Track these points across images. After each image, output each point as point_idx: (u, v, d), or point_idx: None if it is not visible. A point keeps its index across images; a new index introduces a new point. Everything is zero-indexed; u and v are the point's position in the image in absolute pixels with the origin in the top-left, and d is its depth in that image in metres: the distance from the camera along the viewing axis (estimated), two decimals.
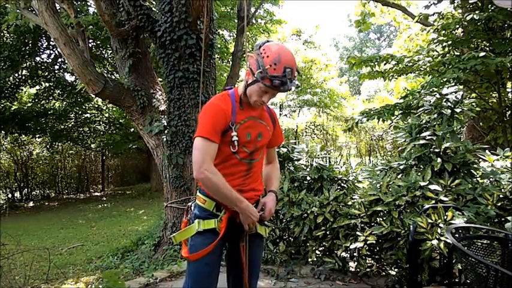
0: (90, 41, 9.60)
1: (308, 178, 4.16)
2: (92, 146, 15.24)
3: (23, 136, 13.11)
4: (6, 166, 13.44)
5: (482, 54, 4.82)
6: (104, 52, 11.80)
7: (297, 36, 18.74)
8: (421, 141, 3.63)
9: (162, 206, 6.05)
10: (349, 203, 3.76)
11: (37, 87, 12.40)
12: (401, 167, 3.79)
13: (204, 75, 4.63)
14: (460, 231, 2.52)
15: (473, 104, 4.44)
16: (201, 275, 1.89)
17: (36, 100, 12.41)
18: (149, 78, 5.46)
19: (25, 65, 11.27)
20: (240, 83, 2.26)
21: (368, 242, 3.40)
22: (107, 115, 14.47)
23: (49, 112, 12.56)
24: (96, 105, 13.76)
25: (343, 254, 3.76)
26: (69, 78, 12.17)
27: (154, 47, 5.29)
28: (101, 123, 14.55)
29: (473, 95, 6.44)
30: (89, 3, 9.91)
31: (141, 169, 16.85)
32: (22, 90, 12.48)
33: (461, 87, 6.05)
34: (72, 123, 13.77)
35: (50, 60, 11.62)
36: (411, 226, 3.01)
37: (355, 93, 28.18)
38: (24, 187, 13.47)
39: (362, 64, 6.37)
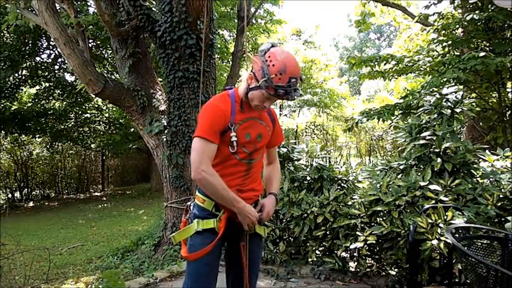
0: (90, 41, 9.60)
1: (308, 178, 4.16)
2: (92, 146, 15.24)
3: (23, 136, 13.12)
4: (6, 166, 13.45)
5: (482, 54, 4.82)
6: (104, 52, 11.80)
7: (297, 36, 18.74)
8: (421, 141, 3.63)
9: (162, 206, 6.05)
10: (349, 203, 3.76)
11: (37, 87, 12.41)
12: (401, 167, 3.79)
13: (204, 75, 4.63)
14: (460, 231, 2.52)
15: (473, 104, 4.44)
16: (200, 275, 1.89)
17: (36, 100, 12.42)
18: (149, 78, 5.46)
19: (25, 65, 11.27)
20: (240, 83, 2.26)
21: (368, 242, 3.40)
22: (107, 115, 14.47)
23: (49, 112, 12.56)
24: (96, 105, 13.76)
25: (343, 254, 3.76)
26: (69, 78, 12.19)
27: (154, 47, 5.29)
28: (101, 123, 14.55)
29: (473, 95, 6.44)
30: (89, 3, 9.92)
31: (141, 169, 16.85)
32: (22, 90, 12.49)
33: (461, 87, 6.05)
34: (72, 123, 13.77)
35: (50, 60, 11.63)
36: (411, 226, 3.01)
37: (355, 93, 28.18)
38: (24, 187, 13.48)
39: (362, 64, 6.37)
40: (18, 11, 5.66)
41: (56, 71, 11.99)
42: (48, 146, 14.31)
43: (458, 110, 3.85)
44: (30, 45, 10.54)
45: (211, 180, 1.78)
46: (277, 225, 4.06)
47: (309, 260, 3.91)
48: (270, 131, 2.03)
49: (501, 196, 3.17)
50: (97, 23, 7.13)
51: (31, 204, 12.40)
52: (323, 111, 17.59)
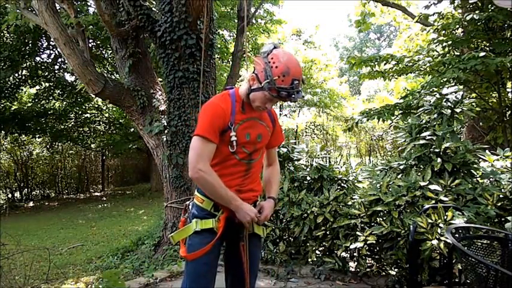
0: (90, 41, 9.60)
1: (308, 178, 4.16)
2: (92, 146, 15.25)
3: (23, 136, 13.12)
4: (6, 166, 13.45)
5: (482, 54, 4.82)
6: (104, 52, 11.80)
7: (297, 36, 18.74)
8: (421, 141, 3.63)
9: (162, 206, 6.06)
10: (349, 203, 3.76)
11: (37, 87, 12.40)
12: (401, 167, 3.79)
13: (204, 75, 4.63)
14: (460, 231, 2.52)
15: (473, 104, 4.44)
16: (199, 275, 1.90)
17: (36, 100, 12.41)
18: (149, 78, 5.46)
19: (25, 65, 11.27)
20: (240, 83, 2.26)
21: (368, 242, 3.40)
22: (107, 115, 14.47)
23: (49, 112, 12.57)
24: (96, 105, 13.76)
25: (343, 254, 3.76)
26: (69, 78, 12.19)
27: (154, 47, 5.29)
28: (101, 123, 14.56)
29: (473, 95, 6.44)
30: (89, 3, 9.91)
31: (141, 169, 16.85)
32: (22, 90, 12.49)
33: (461, 87, 6.05)
34: (72, 123, 13.77)
35: (50, 60, 11.63)
36: (411, 226, 3.01)
37: (355, 93, 28.17)
38: (24, 187, 13.48)
39: (362, 64, 6.37)
40: (18, 11, 5.65)
41: (56, 71, 11.99)
42: (48, 146, 14.31)
43: (458, 110, 3.85)
44: (30, 45, 10.54)
45: (208, 178, 1.79)
46: (277, 225, 4.06)
47: (309, 260, 3.91)
48: (270, 131, 2.03)
49: (501, 196, 3.17)
50: (97, 23, 7.13)
51: (31, 204, 12.40)
52: (323, 111, 17.59)
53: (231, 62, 9.93)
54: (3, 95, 11.24)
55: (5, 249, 3.61)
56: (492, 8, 5.44)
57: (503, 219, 3.12)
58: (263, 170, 2.17)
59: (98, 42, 10.73)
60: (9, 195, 13.01)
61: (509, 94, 6.48)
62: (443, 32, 6.26)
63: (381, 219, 3.47)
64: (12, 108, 12.08)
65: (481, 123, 7.16)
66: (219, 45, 10.73)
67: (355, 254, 3.74)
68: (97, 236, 7.00)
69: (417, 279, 3.11)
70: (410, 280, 3.10)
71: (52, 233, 7.45)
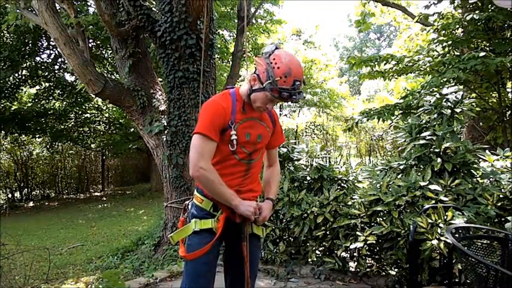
0: (90, 41, 9.59)
1: (308, 178, 4.16)
2: (92, 146, 15.25)
3: (23, 136, 13.12)
4: (6, 166, 13.45)
5: (482, 54, 4.81)
6: (104, 52, 11.80)
7: (297, 36, 18.72)
8: (421, 141, 3.63)
9: (162, 206, 6.05)
10: (349, 203, 3.76)
11: (37, 87, 12.40)
12: (401, 167, 3.79)
13: (204, 75, 4.63)
14: (460, 231, 2.52)
15: (473, 104, 4.44)
16: (198, 274, 1.89)
17: (36, 100, 12.41)
18: (149, 78, 5.46)
19: (25, 65, 11.26)
20: (240, 83, 2.25)
21: (368, 242, 3.40)
22: (107, 115, 14.47)
23: (49, 112, 12.56)
24: (96, 105, 13.76)
25: (343, 254, 3.76)
26: (69, 78, 12.19)
27: (154, 47, 5.29)
28: (101, 123, 14.55)
29: (473, 95, 6.44)
30: (89, 3, 9.91)
31: (141, 169, 16.85)
32: (22, 90, 12.49)
33: (461, 87, 6.05)
34: (72, 123, 13.77)
35: (50, 60, 11.62)
36: (411, 226, 3.01)
37: (355, 93, 28.17)
38: (24, 187, 13.48)
39: (362, 64, 6.36)
40: (18, 11, 5.65)
41: (56, 71, 11.98)
42: (48, 146, 14.30)
43: (458, 110, 3.85)
44: (30, 45, 10.54)
45: (209, 177, 1.79)
46: (277, 225, 4.06)
47: (309, 260, 3.91)
48: (270, 132, 2.03)
49: (501, 196, 3.17)
50: (97, 23, 7.12)
51: (31, 204, 12.40)
52: (323, 111, 17.58)
53: (231, 62, 9.93)
54: (3, 95, 11.23)
55: (5, 249, 3.61)
56: (492, 8, 5.44)
57: (503, 219, 3.12)
58: (263, 170, 2.17)
59: (98, 42, 10.73)
60: (9, 195, 13.01)
61: (509, 94, 6.48)
62: (443, 32, 6.26)
63: (381, 219, 3.47)
64: (12, 108, 12.09)
65: (481, 123, 7.16)
66: (219, 45, 10.73)
67: (355, 254, 3.74)
68: (97, 236, 7.00)
69: (417, 279, 3.11)
70: (410, 280, 3.10)
71: (52, 233, 7.45)
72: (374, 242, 3.39)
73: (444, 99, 3.94)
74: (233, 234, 1.95)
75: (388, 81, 7.32)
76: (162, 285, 3.82)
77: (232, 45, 11.35)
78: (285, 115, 17.54)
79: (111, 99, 5.35)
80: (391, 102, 9.18)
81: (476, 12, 5.53)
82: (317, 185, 4.09)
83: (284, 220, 4.05)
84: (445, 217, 2.96)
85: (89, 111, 13.99)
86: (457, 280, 3.05)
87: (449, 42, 6.10)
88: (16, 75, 11.37)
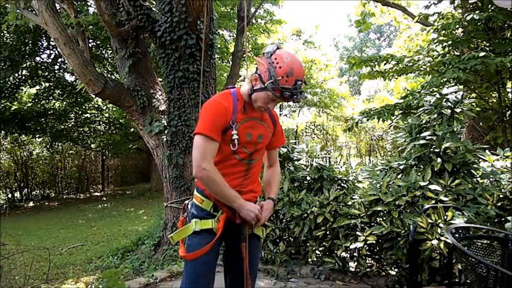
0: (90, 41, 9.59)
1: (308, 178, 4.16)
2: (92, 146, 15.25)
3: (23, 136, 13.12)
4: (6, 166, 13.45)
5: (482, 54, 4.81)
6: (104, 52, 11.80)
7: (297, 36, 18.71)
8: (421, 141, 3.63)
9: (162, 206, 6.06)
10: (349, 203, 3.76)
11: (37, 87, 12.40)
12: (401, 167, 3.79)
13: (204, 75, 4.63)
14: (460, 231, 2.52)
15: (473, 104, 4.44)
16: (198, 274, 1.89)
17: (36, 100, 12.41)
18: (149, 78, 5.46)
19: (25, 65, 11.26)
20: (241, 83, 2.25)
21: (368, 242, 3.40)
22: (107, 115, 14.47)
23: (49, 112, 12.56)
24: (96, 105, 13.76)
25: (343, 254, 3.76)
26: (69, 78, 12.19)
27: (154, 47, 5.29)
28: (101, 123, 14.55)
29: (473, 95, 6.44)
30: (89, 3, 9.91)
31: (141, 169, 16.85)
32: (22, 90, 12.49)
33: (461, 87, 6.05)
34: (72, 123, 13.77)
35: (50, 60, 11.62)
36: (411, 226, 3.01)
37: (355, 93, 28.17)
38: (24, 187, 13.47)
39: (362, 64, 6.36)
40: (18, 11, 5.65)
41: (56, 71, 11.98)
42: (48, 146, 14.30)
43: (458, 110, 3.86)
44: (30, 45, 10.53)
45: (213, 177, 1.79)
46: (277, 225, 4.06)
47: (309, 260, 3.91)
48: (270, 132, 2.03)
49: (501, 196, 3.17)
50: (97, 23, 7.12)
51: (31, 204, 12.40)
52: (323, 111, 17.58)
53: (231, 62, 9.93)
54: (3, 95, 11.23)
55: (5, 249, 3.61)
56: (492, 8, 5.44)
57: (503, 219, 3.12)
58: (263, 171, 2.16)
59: (98, 42, 10.73)
60: (9, 195, 13.01)
61: (509, 94, 6.48)
62: (443, 32, 6.26)
63: (381, 219, 3.47)
64: (12, 108, 12.08)
65: (481, 123, 7.15)
66: (219, 45, 10.73)
67: (355, 254, 3.74)
68: (97, 236, 7.00)
69: (417, 279, 3.11)
70: (410, 280, 3.10)
71: (52, 233, 7.45)
72: (374, 242, 3.39)
73: (444, 99, 3.94)
74: (233, 234, 1.94)
75: (388, 81, 7.32)
76: (162, 285, 3.82)
77: (232, 45, 11.35)
78: (285, 115, 17.54)
79: (111, 99, 5.35)
80: (391, 102, 9.18)
81: (476, 12, 5.53)
82: (317, 185, 4.09)
83: (284, 220, 4.05)
84: (445, 217, 2.96)
85: (89, 111, 13.99)
86: (457, 280, 3.05)
87: (449, 42, 6.10)
88: (16, 75, 11.37)
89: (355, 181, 4.16)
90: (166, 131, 4.94)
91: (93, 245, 6.37)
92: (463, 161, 3.48)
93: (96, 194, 14.44)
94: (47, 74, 11.81)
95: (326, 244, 3.81)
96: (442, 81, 5.28)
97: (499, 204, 3.14)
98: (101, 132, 14.73)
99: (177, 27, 4.54)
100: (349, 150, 16.84)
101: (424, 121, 3.88)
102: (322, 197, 3.83)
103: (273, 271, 3.88)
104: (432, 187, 3.31)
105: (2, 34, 10.08)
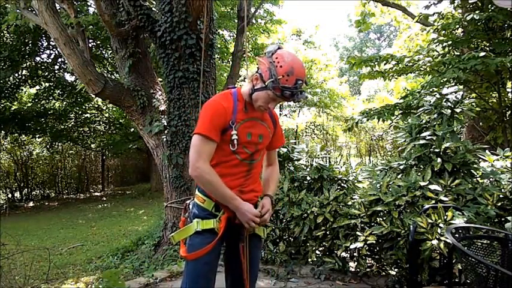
0: (90, 41, 9.60)
1: (308, 178, 4.16)
2: (92, 146, 15.25)
3: (23, 136, 13.12)
4: (6, 166, 13.45)
5: (482, 54, 4.81)
6: (104, 52, 11.80)
7: (297, 36, 18.72)
8: (421, 141, 3.63)
9: (162, 206, 6.06)
10: (349, 203, 3.76)
11: (37, 87, 12.41)
12: (401, 167, 3.79)
13: (204, 75, 4.63)
14: (460, 231, 2.52)
15: (473, 104, 4.44)
16: (199, 275, 1.89)
17: (36, 100, 12.41)
18: (149, 78, 5.46)
19: (25, 65, 11.27)
20: (241, 83, 2.25)
21: (368, 242, 3.40)
22: (107, 115, 14.48)
23: (49, 112, 12.56)
24: (96, 105, 13.77)
25: (343, 254, 3.76)
26: (69, 78, 12.20)
27: (154, 47, 5.30)
28: (101, 123, 14.56)
29: (473, 95, 6.44)
30: (89, 3, 9.92)
31: (141, 169, 16.85)
32: (22, 90, 12.49)
33: (461, 87, 6.05)
34: (72, 123, 13.77)
35: (50, 60, 11.63)
36: (411, 226, 3.01)
37: (355, 93, 28.16)
38: (24, 187, 13.47)
39: (362, 64, 6.36)
40: (18, 11, 5.66)
41: (56, 71, 11.99)
42: (48, 146, 14.30)
43: (458, 110, 3.86)
44: (30, 45, 10.54)
45: (206, 177, 1.79)
46: (277, 225, 4.06)
47: (309, 260, 3.91)
48: (271, 132, 2.03)
49: (501, 196, 3.17)
50: (97, 23, 7.13)
51: (31, 204, 12.40)
52: (323, 111, 17.58)
53: (231, 62, 9.93)
54: (3, 95, 11.23)
55: (5, 249, 3.61)
56: (492, 8, 5.44)
57: (503, 219, 3.12)
58: (262, 170, 2.16)
59: (98, 42, 10.73)
60: (9, 195, 13.01)
61: (509, 94, 6.48)
62: (443, 32, 6.26)
63: (381, 219, 3.47)
64: (12, 108, 12.08)
65: (481, 123, 7.16)
66: (219, 45, 10.74)
67: (355, 254, 3.74)
68: (97, 236, 7.00)
69: (417, 279, 3.11)
70: (410, 280, 3.10)
71: (52, 233, 7.45)
72: (374, 242, 3.39)
73: (444, 99, 3.94)
74: (234, 234, 1.94)
75: (388, 81, 7.32)
76: (162, 285, 3.82)
77: (232, 45, 11.35)
78: (285, 115, 17.54)
79: (111, 99, 5.35)
80: (391, 102, 9.18)
81: (476, 12, 5.53)
82: (317, 185, 4.09)
83: (284, 220, 4.05)
84: (445, 217, 2.96)
85: (89, 111, 13.99)
86: (457, 280, 3.05)
87: (449, 42, 6.10)
88: (16, 75, 11.37)
89: (355, 181, 4.16)
90: (166, 131, 4.95)
91: (93, 245, 6.37)
92: (463, 161, 3.48)
93: (96, 194, 14.44)
94: (47, 74, 11.82)
95: (326, 244, 3.81)
96: (442, 81, 5.29)
97: (499, 204, 3.14)
98: (101, 132, 14.74)
99: (177, 27, 4.54)
100: (349, 150, 16.85)
101: (424, 121, 3.88)
102: (322, 197, 3.83)
103: (273, 271, 3.87)
104: (432, 187, 3.31)
105: (2, 34, 10.08)
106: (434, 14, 6.89)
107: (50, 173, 14.36)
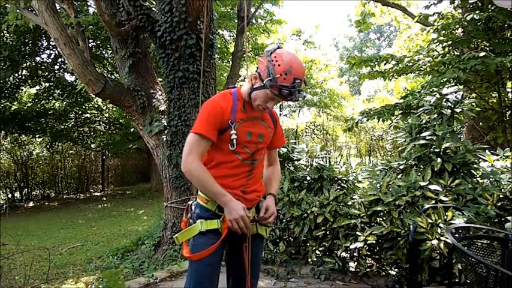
0: (90, 41, 9.60)
1: (308, 178, 4.16)
2: (92, 146, 15.25)
3: (23, 136, 13.12)
4: (6, 166, 13.44)
5: (482, 54, 4.81)
6: (104, 52, 11.80)
7: (297, 36, 18.71)
8: (421, 141, 3.63)
9: (162, 206, 6.06)
10: (349, 203, 3.76)
11: (37, 87, 12.41)
12: (401, 167, 3.79)
13: (204, 75, 4.63)
14: (460, 231, 2.52)
15: (473, 104, 4.44)
16: (203, 275, 1.88)
17: (36, 100, 12.42)
18: (149, 78, 5.46)
19: (25, 65, 11.27)
20: (241, 83, 2.25)
21: (368, 242, 3.39)
22: (107, 115, 14.47)
23: (49, 112, 12.57)
24: (96, 105, 13.76)
25: (343, 254, 3.76)
26: (69, 78, 12.20)
27: (154, 47, 5.30)
28: (101, 123, 14.56)
29: (473, 95, 6.44)
30: (89, 3, 9.92)
31: (141, 169, 16.85)
32: (22, 90, 12.49)
33: (461, 87, 6.05)
34: (72, 123, 13.77)
35: (50, 60, 11.63)
36: (411, 226, 3.01)
37: (355, 93, 28.16)
38: (24, 187, 13.47)
39: (362, 64, 6.36)
40: (18, 11, 5.66)
41: (56, 71, 11.99)
42: (48, 146, 14.30)
43: (458, 110, 3.86)
44: (30, 45, 10.54)
45: (195, 173, 1.80)
46: (277, 225, 4.05)
47: (309, 260, 3.91)
48: (271, 132, 2.03)
49: (501, 196, 3.17)
50: (97, 23, 7.13)
51: (31, 204, 12.40)
52: (323, 111, 17.59)
53: (231, 62, 9.94)
54: (3, 95, 11.23)
55: (5, 249, 3.61)
56: (492, 8, 5.44)
57: (503, 219, 3.12)
58: (264, 169, 2.16)
59: (98, 42, 10.73)
60: (9, 195, 13.01)
61: (509, 94, 6.48)
62: (443, 32, 6.25)
63: (381, 219, 3.47)
64: (12, 108, 12.08)
65: (481, 123, 7.15)
66: (219, 45, 10.74)
67: (355, 254, 3.74)
68: (97, 236, 7.00)
69: (417, 279, 3.11)
70: (410, 280, 3.09)
71: (52, 233, 7.45)
72: (374, 242, 3.39)
73: (444, 99, 3.94)
74: (236, 235, 1.93)
75: (388, 81, 7.32)
76: (162, 285, 3.81)
77: (232, 45, 11.35)
78: (285, 115, 17.53)
79: (111, 99, 5.35)
80: (391, 102, 9.18)
81: (476, 12, 5.53)
82: (317, 185, 4.09)
83: (284, 220, 4.05)
84: (445, 217, 2.96)
85: (89, 111, 13.99)
86: (457, 280, 3.05)
87: (449, 42, 6.10)
88: (16, 75, 11.37)
89: (355, 181, 4.15)
90: (166, 131, 4.95)
91: (93, 245, 6.37)
92: (463, 161, 3.48)
93: (96, 194, 14.44)
94: (47, 74, 11.82)
95: (326, 244, 3.81)
96: (442, 81, 5.29)
97: (499, 204, 3.14)
98: (101, 132, 14.74)
99: (177, 27, 4.54)
100: (349, 150, 16.85)
101: (424, 121, 3.88)
102: (322, 197, 3.83)
103: (273, 271, 3.87)
104: (432, 187, 3.31)
105: (2, 34, 10.07)
106: (434, 14, 6.89)
107: (50, 173, 14.36)
